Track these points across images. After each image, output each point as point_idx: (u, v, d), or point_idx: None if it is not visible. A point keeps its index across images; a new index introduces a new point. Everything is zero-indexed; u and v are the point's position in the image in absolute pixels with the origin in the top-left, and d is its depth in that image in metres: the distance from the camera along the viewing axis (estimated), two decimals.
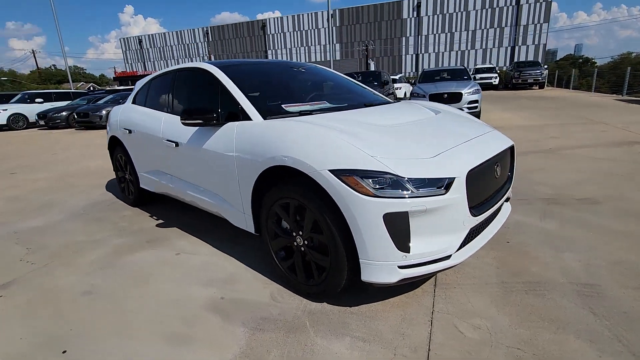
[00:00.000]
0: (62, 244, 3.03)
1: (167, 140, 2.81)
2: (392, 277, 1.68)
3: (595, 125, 7.34)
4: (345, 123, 2.05)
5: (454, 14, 38.60)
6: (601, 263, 2.22)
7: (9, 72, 63.18)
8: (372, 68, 33.53)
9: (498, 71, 25.58)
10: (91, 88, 41.67)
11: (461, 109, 8.09)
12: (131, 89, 5.16)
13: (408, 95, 14.43)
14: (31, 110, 15.26)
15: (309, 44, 45.30)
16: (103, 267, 2.59)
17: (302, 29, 45.28)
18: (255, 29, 47.98)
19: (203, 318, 1.93)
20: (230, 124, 2.29)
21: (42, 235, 3.27)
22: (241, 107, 2.29)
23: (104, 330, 1.88)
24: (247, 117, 2.24)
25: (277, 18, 46.78)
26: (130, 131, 3.44)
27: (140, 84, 3.70)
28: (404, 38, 41.16)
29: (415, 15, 39.98)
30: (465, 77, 9.86)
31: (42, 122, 14.38)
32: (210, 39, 50.77)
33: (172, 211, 3.65)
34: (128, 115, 3.56)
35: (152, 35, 55.09)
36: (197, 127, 2.50)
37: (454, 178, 1.67)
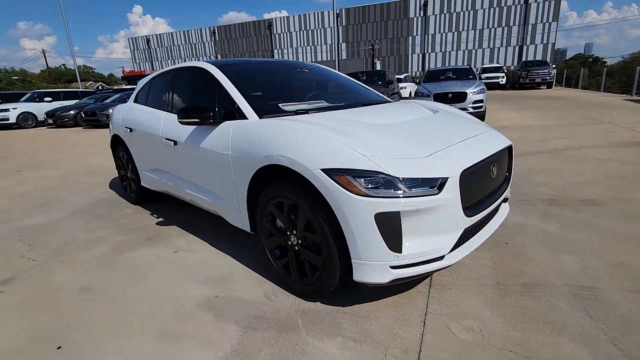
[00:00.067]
0: (63, 241, 3.07)
1: (166, 138, 2.83)
2: (384, 277, 1.67)
3: (602, 126, 7.23)
4: (340, 122, 2.04)
5: (461, 12, 38.30)
6: (600, 265, 2.19)
7: (20, 72, 64.20)
8: (378, 67, 33.40)
9: (505, 70, 25.32)
10: (99, 87, 42.17)
11: (466, 109, 8.13)
12: None
13: (413, 94, 14.35)
14: (40, 109, 15.50)
15: (315, 44, 45.30)
16: (102, 264, 2.61)
17: (308, 28, 45.30)
18: (262, 28, 48.12)
19: (197, 316, 1.94)
20: (226, 122, 2.30)
21: (44, 232, 3.31)
22: (237, 106, 2.30)
23: (99, 326, 1.90)
24: (243, 116, 2.25)
25: (284, 17, 46.87)
26: (131, 130, 3.47)
27: (142, 83, 3.74)
28: (410, 37, 40.97)
29: (422, 15, 39.76)
30: (471, 77, 9.77)
31: (50, 121, 14.60)
32: (217, 39, 51.04)
33: (172, 210, 3.67)
34: (129, 114, 3.59)
35: (159, 35, 55.57)
36: (195, 126, 2.51)
37: (447, 178, 1.66)
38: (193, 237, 2.98)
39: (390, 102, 3.04)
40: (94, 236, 3.15)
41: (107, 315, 1.99)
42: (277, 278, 2.19)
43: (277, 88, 2.86)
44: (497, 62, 35.32)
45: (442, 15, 39.09)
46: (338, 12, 42.40)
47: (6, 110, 14.79)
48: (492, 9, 37.18)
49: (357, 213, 1.60)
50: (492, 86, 21.97)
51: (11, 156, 7.90)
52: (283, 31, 46.94)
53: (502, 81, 22.28)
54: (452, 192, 1.67)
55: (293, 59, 45.16)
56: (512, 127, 7.74)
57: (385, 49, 41.75)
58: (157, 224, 3.35)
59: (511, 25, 36.99)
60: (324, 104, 2.65)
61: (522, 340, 1.62)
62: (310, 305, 1.97)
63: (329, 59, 41.39)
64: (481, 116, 8.48)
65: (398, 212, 1.59)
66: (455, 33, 39.13)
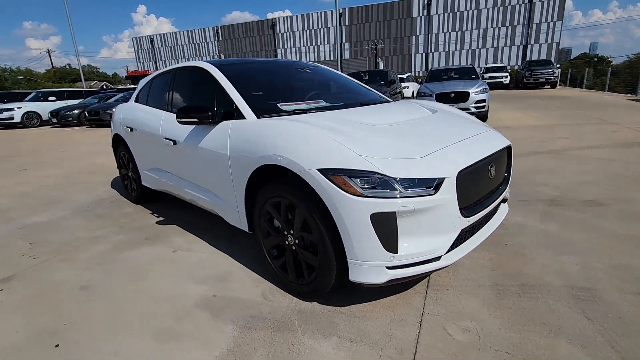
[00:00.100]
0: (63, 240, 3.09)
1: (166, 138, 2.84)
2: (380, 277, 1.67)
3: (606, 126, 7.17)
4: (337, 122, 2.04)
5: (465, 12, 38.08)
6: (600, 267, 2.17)
7: (25, 71, 64.68)
8: (381, 67, 33.33)
9: (509, 70, 25.18)
10: (104, 87, 42.42)
11: (468, 109, 8.10)
12: None
13: (415, 94, 14.31)
14: (44, 108, 15.60)
15: (318, 43, 45.25)
16: (102, 263, 2.63)
17: (311, 28, 45.25)
18: (265, 28, 48.12)
19: (194, 315, 1.94)
20: (224, 122, 2.30)
21: (45, 230, 3.33)
22: (236, 105, 2.30)
23: (97, 325, 1.91)
24: (241, 116, 2.25)
25: (287, 17, 46.84)
26: (131, 129, 3.49)
27: (143, 82, 3.75)
28: (413, 37, 40.79)
29: (425, 14, 39.58)
30: (473, 76, 9.73)
31: (54, 120, 14.69)
32: (221, 38, 51.11)
33: (172, 209, 3.69)
34: (130, 113, 3.61)
35: (163, 34, 55.72)
36: (194, 126, 2.52)
37: (444, 178, 1.65)
38: (192, 237, 2.99)
39: (390, 101, 3.03)
40: (95, 235, 3.17)
41: (105, 314, 2.01)
42: (275, 278, 2.20)
43: (276, 88, 2.86)
44: (501, 62, 35.11)
45: (446, 15, 38.87)
46: (341, 11, 42.33)
47: (11, 109, 14.92)
48: (496, 9, 36.94)
49: (353, 213, 1.60)
50: (495, 86, 21.89)
51: (15, 155, 7.96)
52: (286, 31, 46.92)
53: (505, 81, 22.17)
54: (448, 193, 1.66)
55: (296, 58, 45.13)
56: (515, 127, 7.70)
57: (388, 48, 41.62)
58: (157, 223, 3.37)
59: (515, 25, 36.72)
60: (323, 103, 2.65)
61: (518, 341, 1.61)
62: (307, 305, 1.97)
63: (332, 58, 41.34)
64: (484, 116, 8.45)
65: (394, 213, 1.58)
66: (459, 32, 38.90)
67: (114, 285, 2.30)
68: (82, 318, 1.97)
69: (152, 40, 56.09)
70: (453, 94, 8.27)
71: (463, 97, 8.18)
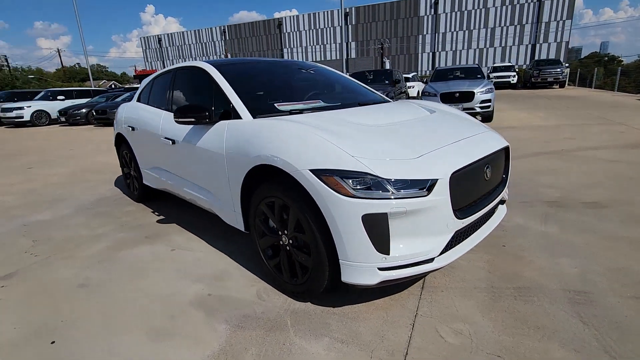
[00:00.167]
0: (65, 238, 3.13)
1: (165, 137, 2.86)
2: (372, 278, 1.66)
3: (613, 126, 7.06)
4: (332, 122, 2.04)
5: (473, 11, 37.75)
6: (599, 270, 2.14)
7: (36, 70, 65.69)
8: (388, 66, 33.20)
9: (517, 69, 24.92)
10: (112, 86, 42.89)
11: (473, 109, 8.03)
12: None
13: (420, 94, 14.23)
14: (53, 107, 15.82)
15: (325, 43, 45.22)
16: (101, 260, 2.66)
17: (317, 27, 45.23)
18: (272, 27, 48.22)
19: (188, 314, 1.96)
20: (221, 122, 2.31)
21: (48, 228, 3.38)
22: (232, 105, 2.31)
23: (93, 322, 1.93)
24: (237, 116, 2.26)
25: (294, 16, 46.88)
26: (133, 128, 3.52)
27: (145, 82, 3.78)
28: (420, 36, 40.56)
29: (432, 13, 39.32)
30: (479, 76, 9.64)
31: (63, 119, 14.89)
32: (227, 38, 51.35)
33: (173, 208, 3.72)
34: (132, 112, 3.65)
35: (171, 34, 56.17)
36: (192, 126, 2.53)
37: (437, 179, 1.64)
38: (192, 236, 3.01)
39: (389, 102, 3.02)
40: (96, 233, 3.21)
41: (102, 311, 2.03)
42: (270, 277, 2.20)
43: (275, 88, 2.86)
44: (509, 61, 34.75)
45: (453, 14, 38.57)
46: (347, 10, 42.24)
47: (21, 108, 15.15)
48: (504, 7, 36.54)
49: (344, 214, 1.60)
50: (503, 85, 21.69)
51: (23, 153, 8.09)
52: (293, 30, 46.96)
53: (513, 80, 21.94)
54: (441, 194, 1.65)
55: (302, 57, 45.13)
56: (521, 127, 7.62)
57: (395, 47, 41.44)
58: (158, 221, 3.40)
59: (524, 24, 36.29)
60: (321, 103, 2.64)
61: (511, 345, 1.59)
62: (301, 305, 1.97)
63: (338, 58, 41.25)
64: (489, 116, 8.37)
65: (385, 214, 1.58)
66: (466, 31, 38.56)
67: (112, 283, 2.32)
68: (80, 315, 2.00)
69: (159, 40, 56.57)
70: (458, 94, 8.21)
71: (468, 96, 8.11)
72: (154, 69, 52.05)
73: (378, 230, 1.60)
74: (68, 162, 6.72)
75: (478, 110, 8.09)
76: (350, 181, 1.61)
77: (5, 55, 50.51)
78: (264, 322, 1.85)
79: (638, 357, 1.49)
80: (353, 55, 43.42)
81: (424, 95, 9.02)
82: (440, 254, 1.73)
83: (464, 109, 8.05)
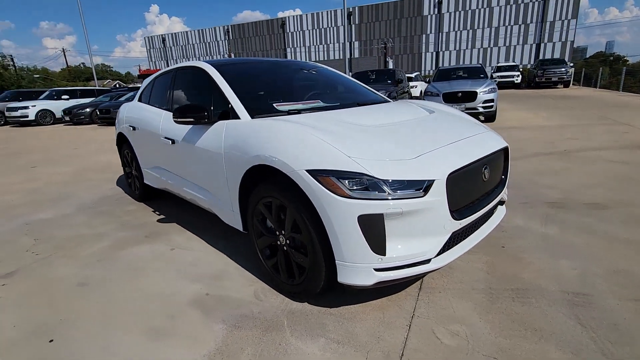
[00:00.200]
0: (67, 236, 3.15)
1: (165, 137, 2.87)
2: (368, 279, 1.66)
3: (617, 127, 7.00)
4: (330, 122, 2.03)
5: (477, 10, 37.57)
6: (599, 272, 2.12)
7: (41, 70, 66.14)
8: (391, 66, 33.12)
9: (521, 69, 24.78)
10: (116, 85, 43.09)
11: (476, 108, 8.00)
12: None
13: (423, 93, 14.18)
14: (58, 106, 15.95)
15: (328, 42, 45.19)
16: (101, 259, 2.67)
17: (321, 27, 45.22)
18: (275, 27, 48.27)
19: (186, 313, 1.96)
20: (220, 122, 2.32)
21: (50, 227, 3.41)
22: (231, 105, 2.32)
23: (91, 321, 1.94)
24: (236, 116, 2.26)
25: (297, 16, 46.90)
26: (134, 128, 3.54)
27: (146, 82, 3.80)
28: (424, 35, 40.44)
29: (436, 12, 39.18)
30: (482, 76, 9.59)
31: (67, 118, 15.00)
32: (231, 37, 51.47)
33: (174, 207, 3.73)
34: (133, 112, 3.66)
35: (175, 33, 56.40)
36: (191, 125, 2.54)
37: (434, 180, 1.63)
38: (191, 235, 3.02)
39: (389, 102, 3.01)
40: (97, 232, 3.23)
41: (100, 310, 2.04)
42: (268, 277, 2.20)
43: (274, 88, 2.86)
44: (513, 61, 34.57)
45: (457, 13, 38.41)
46: (351, 10, 42.17)
47: (26, 107, 15.28)
48: (508, 6, 36.33)
49: (340, 215, 1.60)
50: (507, 85, 21.58)
51: (27, 152, 8.16)
52: (296, 30, 46.97)
53: (517, 80, 21.82)
54: (438, 195, 1.64)
55: (305, 57, 45.12)
56: (524, 127, 7.57)
57: (398, 47, 41.33)
58: (158, 221, 3.41)
59: (528, 23, 36.06)
60: (320, 104, 2.64)
61: (507, 347, 1.59)
62: (298, 305, 1.97)
63: (341, 57, 41.21)
64: (491, 116, 8.33)
65: (381, 215, 1.57)
66: (470, 31, 38.39)
67: (111, 282, 2.34)
68: (78, 314, 2.01)
69: (163, 40, 56.81)
70: (460, 94, 8.17)
71: (470, 96, 8.07)
72: (157, 68, 52.26)
73: (374, 230, 1.59)
74: (71, 161, 6.76)
75: (481, 110, 8.06)
76: (347, 182, 1.61)
77: (11, 55, 50.89)
78: (261, 322, 1.85)
79: None
80: (356, 54, 43.38)
81: (426, 95, 8.99)
82: (437, 255, 1.72)
83: (466, 109, 8.02)
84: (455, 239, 1.83)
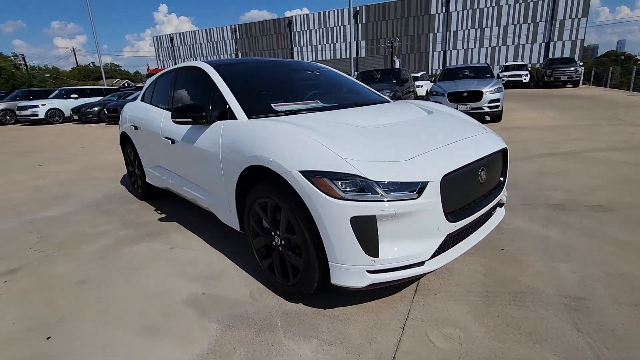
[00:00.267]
0: (69, 234, 3.20)
1: (165, 137, 2.89)
2: (361, 281, 1.66)
3: (625, 127, 6.88)
4: (326, 123, 2.03)
5: (485, 8, 37.14)
6: (599, 275, 2.09)
7: (52, 69, 67.16)
8: (397, 65, 32.97)
9: (530, 68, 24.47)
10: (125, 84, 43.57)
11: (482, 108, 7.92)
12: None
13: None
14: (67, 105, 16.17)
15: (335, 41, 45.10)
16: (101, 257, 2.71)
17: (327, 26, 45.13)
18: (282, 26, 48.31)
19: (181, 312, 1.98)
20: (218, 122, 2.33)
21: (54, 225, 3.46)
22: (229, 105, 2.32)
23: (89, 318, 1.97)
24: (233, 116, 2.27)
25: (304, 15, 46.87)
26: (136, 127, 3.57)
27: (149, 81, 3.83)
28: (431, 34, 40.11)
29: (444, 11, 38.85)
30: (488, 75, 9.49)
31: (76, 117, 15.20)
32: (238, 37, 51.64)
33: (175, 206, 3.76)
34: (135, 112, 3.70)
35: (182, 33, 56.76)
36: (190, 125, 2.55)
37: (427, 182, 1.62)
38: (191, 234, 3.04)
39: (389, 102, 2.99)
40: (99, 230, 3.26)
41: (97, 307, 2.06)
42: (264, 278, 2.21)
43: (273, 88, 2.87)
44: (522, 60, 34.16)
45: (465, 12, 38.02)
46: (358, 9, 42.04)
47: (36, 106, 15.52)
48: (517, 5, 35.85)
49: (332, 216, 1.59)
50: (515, 85, 21.33)
51: (36, 151, 8.28)
52: (303, 29, 46.95)
53: (525, 79, 21.56)
54: (432, 197, 1.63)
55: (312, 56, 45.09)
56: (530, 127, 7.48)
57: (406, 46, 41.08)
58: (159, 220, 3.44)
59: (537, 22, 35.54)
60: (318, 104, 2.64)
61: (501, 351, 1.57)
62: (292, 306, 1.97)
63: (347, 56, 41.16)
64: (498, 116, 8.25)
65: (374, 216, 1.57)
66: (478, 30, 37.98)
67: (110, 281, 2.36)
68: (76, 312, 2.04)
69: (171, 39, 57.22)
70: (466, 93, 8.10)
71: (476, 96, 8.00)
72: (165, 67, 52.63)
73: (366, 232, 1.59)
74: (78, 159, 6.85)
75: (486, 110, 7.98)
76: (340, 183, 1.60)
77: (23, 55, 51.74)
78: (255, 323, 1.85)
79: None
80: (363, 54, 43.23)
81: (431, 94, 8.92)
82: (432, 257, 1.71)
83: (472, 109, 7.95)
84: (451, 241, 1.81)
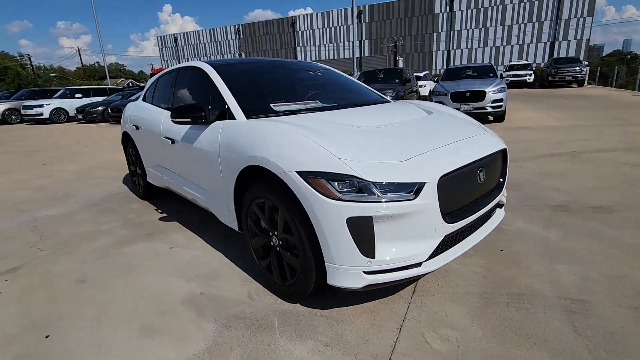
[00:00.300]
0: (71, 233, 3.22)
1: (165, 137, 2.90)
2: (358, 282, 1.65)
3: (630, 128, 6.81)
4: (323, 123, 2.02)
5: (489, 8, 36.93)
6: (599, 278, 2.07)
7: (57, 69, 67.60)
8: (401, 65, 32.85)
9: (534, 68, 24.30)
10: (129, 84, 43.79)
11: (485, 108, 7.88)
12: None
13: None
14: (71, 104, 16.28)
15: (338, 41, 45.04)
16: (101, 256, 2.72)
17: (331, 25, 45.08)
18: (285, 26, 48.33)
19: (179, 312, 1.98)
20: (216, 122, 2.33)
21: (55, 224, 3.48)
22: (227, 105, 2.33)
23: (87, 317, 1.98)
24: (232, 116, 2.27)
25: (307, 15, 46.86)
26: (137, 127, 3.59)
27: (150, 81, 3.85)
28: (435, 34, 39.96)
29: (448, 10, 38.67)
30: (491, 75, 9.44)
31: (80, 116, 15.30)
32: (242, 36, 51.73)
33: (175, 206, 3.77)
34: (137, 112, 3.71)
35: (186, 33, 56.95)
36: (189, 125, 2.56)
37: (424, 183, 1.61)
38: (191, 234, 3.05)
39: (388, 102, 2.98)
40: (100, 229, 3.28)
41: (96, 306, 2.07)
42: (262, 278, 2.21)
43: (272, 88, 2.86)
44: (526, 59, 33.94)
45: (469, 11, 37.83)
46: (361, 8, 41.96)
47: (40, 106, 15.64)
48: (522, 4, 35.61)
49: (329, 217, 1.59)
50: (519, 84, 21.20)
51: (40, 150, 8.34)
52: (306, 28, 46.93)
53: (529, 79, 21.41)
54: (429, 198, 1.62)
55: (316, 56, 45.06)
56: (534, 127, 7.43)
57: (409, 45, 40.95)
58: (160, 219, 3.45)
59: (542, 21, 35.29)
60: (318, 104, 2.63)
61: (498, 353, 1.56)
62: (290, 306, 1.97)
63: (350, 56, 41.08)
64: (501, 116, 8.20)
65: (370, 217, 1.56)
66: (483, 29, 37.78)
67: (109, 280, 2.37)
68: (75, 311, 2.05)
69: (175, 39, 57.43)
70: (469, 93, 8.06)
71: (479, 96, 7.96)
72: (169, 67, 52.82)
73: (363, 233, 1.58)
74: (81, 158, 6.90)
75: (489, 109, 7.94)
76: (336, 184, 1.60)
77: (29, 54, 52.14)
78: (252, 323, 1.86)
79: None
80: (366, 53, 43.15)
81: (434, 94, 8.89)
82: (429, 258, 1.70)
83: (475, 109, 7.91)
84: (448, 242, 1.80)
